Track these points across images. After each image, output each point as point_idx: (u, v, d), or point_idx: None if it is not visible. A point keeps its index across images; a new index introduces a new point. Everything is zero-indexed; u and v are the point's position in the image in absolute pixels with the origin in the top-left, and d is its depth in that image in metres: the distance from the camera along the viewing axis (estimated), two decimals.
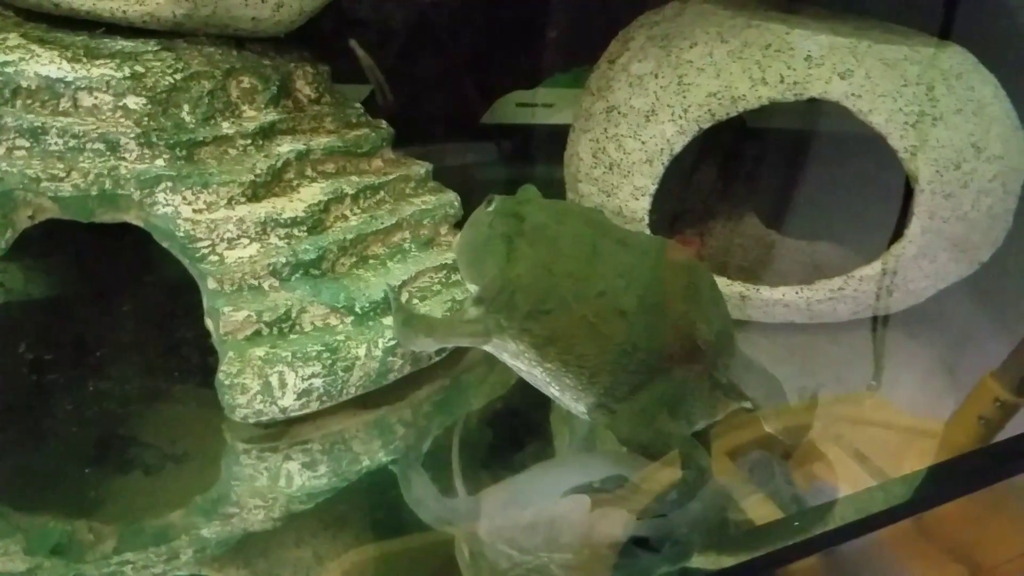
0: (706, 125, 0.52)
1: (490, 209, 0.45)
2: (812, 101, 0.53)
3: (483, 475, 0.45)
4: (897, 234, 0.53)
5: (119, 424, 0.45)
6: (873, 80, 0.51)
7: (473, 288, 0.45)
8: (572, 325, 0.40)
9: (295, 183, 0.51)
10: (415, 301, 0.50)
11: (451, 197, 0.56)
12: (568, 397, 0.42)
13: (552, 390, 0.42)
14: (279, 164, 0.50)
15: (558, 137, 0.63)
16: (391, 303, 0.47)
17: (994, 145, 0.53)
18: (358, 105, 0.59)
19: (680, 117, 0.52)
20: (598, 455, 0.47)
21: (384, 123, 0.58)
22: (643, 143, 0.53)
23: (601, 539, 0.39)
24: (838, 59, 0.51)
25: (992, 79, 0.55)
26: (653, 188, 0.53)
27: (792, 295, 0.54)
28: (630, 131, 0.54)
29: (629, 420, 0.40)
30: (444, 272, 0.52)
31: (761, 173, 0.72)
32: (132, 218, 0.47)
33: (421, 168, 0.57)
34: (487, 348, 0.44)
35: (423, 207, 0.54)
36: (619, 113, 0.54)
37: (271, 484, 0.42)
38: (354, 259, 0.50)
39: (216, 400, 0.44)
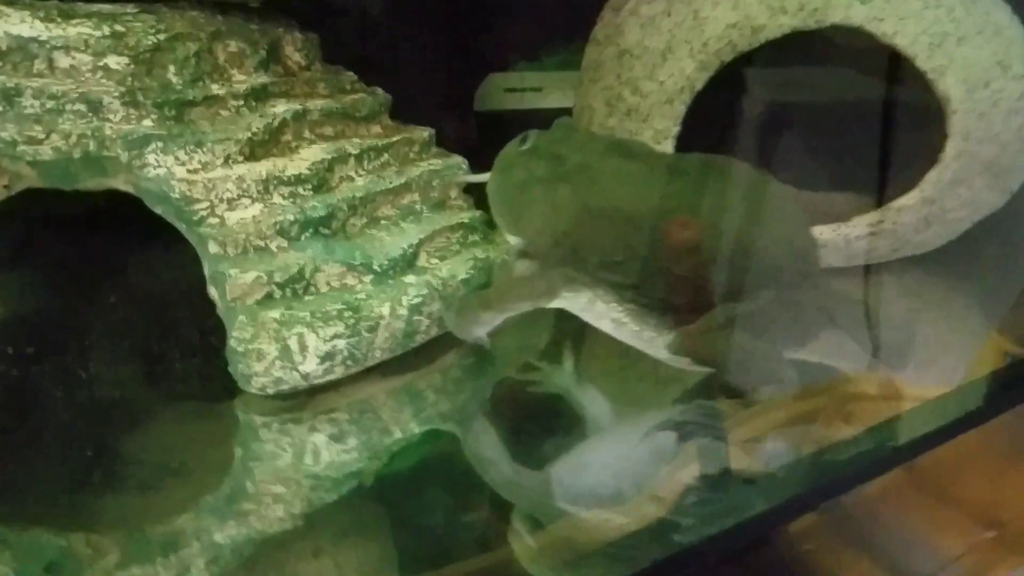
0: (728, 58, 0.49)
1: (524, 148, 0.41)
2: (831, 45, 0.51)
3: (532, 444, 0.40)
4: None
5: (121, 427, 0.40)
6: (893, 3, 0.49)
7: (512, 239, 0.41)
8: (644, 270, 0.37)
9: (293, 144, 0.47)
10: (434, 261, 0.46)
11: (458, 160, 0.53)
12: (646, 337, 0.38)
13: (625, 332, 0.39)
14: (276, 123, 0.46)
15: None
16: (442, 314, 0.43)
17: (1017, 65, 0.51)
18: (351, 73, 0.55)
19: (700, 52, 0.49)
20: (651, 411, 0.43)
21: (379, 90, 0.55)
22: (661, 83, 0.50)
23: (689, 476, 0.35)
24: None
25: (1004, 4, 0.54)
26: (675, 130, 0.50)
27: (829, 233, 0.51)
28: (645, 72, 0.51)
29: (704, 337, 0.36)
30: (461, 232, 0.49)
31: (778, 137, 0.69)
32: (120, 183, 0.43)
33: (424, 132, 0.53)
34: (553, 305, 0.40)
35: (431, 168, 0.50)
36: (632, 56, 0.52)
37: (296, 462, 0.37)
38: (365, 220, 0.46)
39: (222, 381, 0.40)
